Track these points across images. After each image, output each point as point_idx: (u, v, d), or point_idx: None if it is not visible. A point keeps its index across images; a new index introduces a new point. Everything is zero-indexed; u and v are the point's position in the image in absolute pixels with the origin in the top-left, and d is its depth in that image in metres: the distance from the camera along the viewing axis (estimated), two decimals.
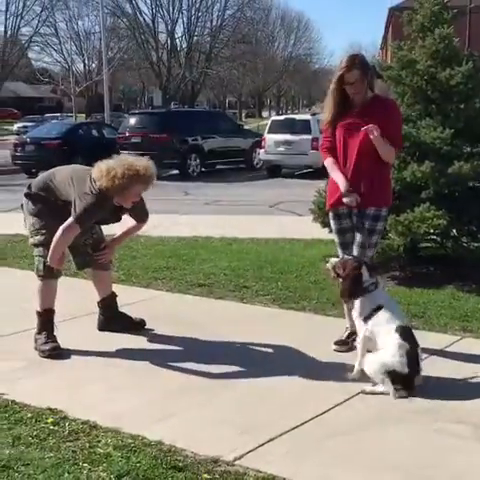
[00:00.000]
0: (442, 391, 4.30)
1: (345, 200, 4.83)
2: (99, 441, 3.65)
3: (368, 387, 4.35)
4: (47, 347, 5.03)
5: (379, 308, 4.43)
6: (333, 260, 4.68)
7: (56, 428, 3.79)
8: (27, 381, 4.54)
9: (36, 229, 5.16)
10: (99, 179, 4.77)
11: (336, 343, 5.13)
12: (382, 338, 4.36)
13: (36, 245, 5.15)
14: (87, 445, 3.60)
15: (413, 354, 4.28)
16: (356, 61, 4.79)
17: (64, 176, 5.07)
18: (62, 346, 5.09)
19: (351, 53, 4.98)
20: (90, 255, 5.37)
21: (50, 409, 4.01)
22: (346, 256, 4.77)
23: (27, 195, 5.21)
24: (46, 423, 3.84)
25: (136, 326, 5.58)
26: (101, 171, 4.78)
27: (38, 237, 5.13)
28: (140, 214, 5.33)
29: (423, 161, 6.83)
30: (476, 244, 7.18)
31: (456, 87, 7.07)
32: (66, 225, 4.83)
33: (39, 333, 5.15)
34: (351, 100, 4.84)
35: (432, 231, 6.85)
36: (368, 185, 4.83)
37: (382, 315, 4.41)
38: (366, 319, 4.46)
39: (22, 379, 4.57)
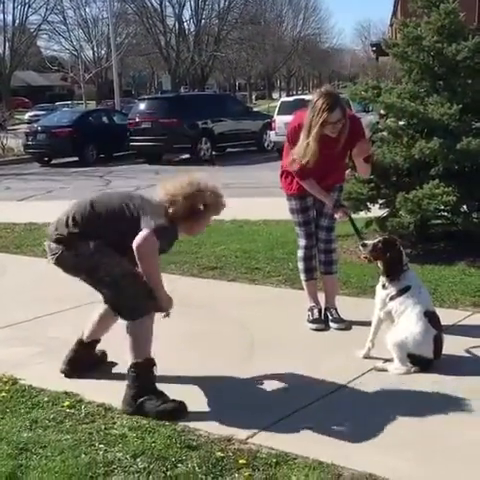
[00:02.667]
0: (453, 366, 4.33)
1: (337, 216, 5.04)
2: (114, 423, 3.72)
3: (379, 364, 4.39)
4: (171, 405, 3.85)
5: (407, 289, 4.43)
6: (369, 243, 4.60)
7: (72, 411, 3.87)
8: (43, 366, 4.62)
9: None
10: (178, 200, 4.03)
11: (313, 322, 5.21)
12: (408, 319, 4.33)
13: (122, 277, 4.00)
14: (103, 427, 3.67)
15: (439, 340, 4.32)
16: (336, 99, 4.74)
17: (115, 202, 4.11)
18: (77, 332, 5.14)
19: (324, 91, 4.77)
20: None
21: (66, 393, 4.09)
22: (381, 237, 4.70)
23: (58, 241, 4.13)
24: (62, 406, 3.92)
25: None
26: (173, 195, 4.05)
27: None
28: None
29: (431, 138, 6.83)
30: None
31: (463, 62, 7.04)
32: (145, 235, 3.83)
33: (143, 394, 3.89)
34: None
35: (442, 208, 6.85)
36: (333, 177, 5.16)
37: (410, 296, 4.40)
38: (393, 298, 4.45)
39: (38, 364, 4.65)
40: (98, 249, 3.98)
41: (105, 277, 4.01)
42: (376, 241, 4.59)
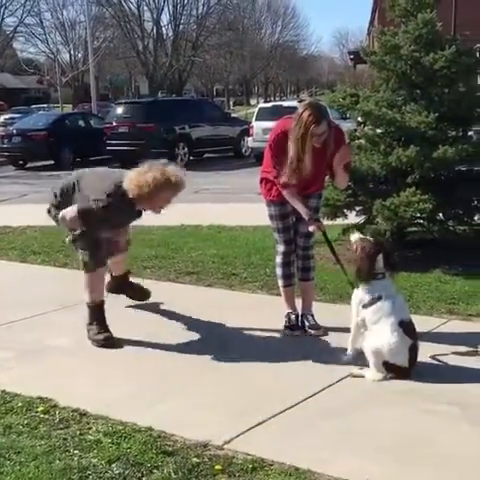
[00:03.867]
0: (429, 373, 4.35)
1: (311, 228, 5.04)
2: (89, 428, 3.69)
3: (356, 370, 4.40)
4: (101, 337, 5.04)
5: (379, 298, 4.41)
6: (357, 236, 4.64)
7: (47, 416, 3.83)
8: (17, 371, 4.58)
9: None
10: (128, 186, 4.83)
11: (290, 328, 5.23)
12: (383, 329, 4.32)
13: (74, 241, 5.12)
14: (78, 432, 3.64)
15: (414, 349, 4.32)
16: (323, 112, 4.79)
17: (90, 181, 5.18)
18: (52, 336, 5.12)
19: (310, 104, 4.82)
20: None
21: (40, 398, 4.05)
22: (368, 237, 4.71)
23: (54, 206, 5.28)
24: (37, 412, 3.88)
25: (143, 294, 5.95)
26: (130, 179, 4.84)
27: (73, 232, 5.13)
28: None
29: (408, 146, 6.88)
30: (462, 227, 7.25)
31: (440, 71, 7.10)
32: (69, 211, 4.99)
33: (91, 324, 5.13)
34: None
35: (418, 215, 6.90)
36: (315, 186, 5.18)
37: (384, 306, 4.38)
38: (365, 306, 4.45)
39: (12, 369, 4.60)
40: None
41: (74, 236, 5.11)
42: (362, 237, 4.61)
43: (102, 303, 5.18)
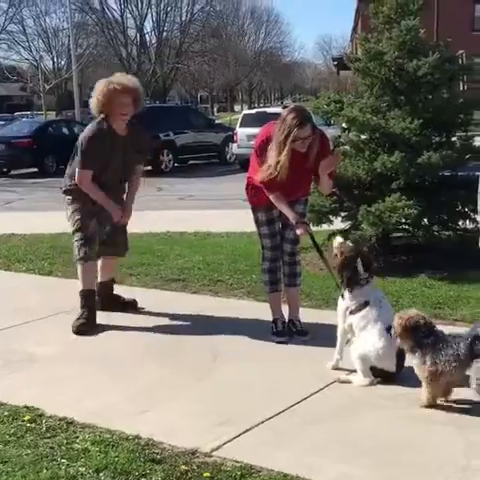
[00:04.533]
0: (415, 379, 4.35)
1: (299, 232, 5.01)
2: (77, 437, 3.67)
3: (343, 376, 4.41)
4: (76, 323, 5.44)
5: (366, 304, 4.42)
6: (338, 240, 4.66)
7: (33, 425, 3.80)
8: (3, 379, 4.55)
9: (70, 215, 5.66)
10: (91, 107, 5.55)
11: (277, 334, 5.22)
12: (370, 335, 4.34)
13: (73, 232, 5.63)
14: (65, 441, 3.62)
15: (402, 355, 4.31)
16: (307, 115, 4.82)
17: None
18: (38, 344, 5.08)
19: (294, 108, 4.88)
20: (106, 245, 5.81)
21: (27, 407, 4.02)
22: (348, 242, 4.73)
23: (64, 192, 5.73)
24: (23, 421, 3.85)
25: (130, 306, 6.03)
26: (92, 102, 5.51)
27: (72, 222, 5.63)
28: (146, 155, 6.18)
29: (393, 152, 6.91)
30: (447, 232, 7.28)
31: (423, 78, 7.15)
32: (78, 177, 5.50)
33: (81, 308, 5.54)
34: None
35: (403, 221, 6.93)
36: (301, 191, 5.22)
37: (370, 312, 4.39)
38: (352, 312, 4.46)
39: None
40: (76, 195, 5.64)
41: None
42: (342, 242, 4.63)
43: (92, 292, 5.62)
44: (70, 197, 5.67)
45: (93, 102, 5.51)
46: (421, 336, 3.94)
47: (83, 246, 5.55)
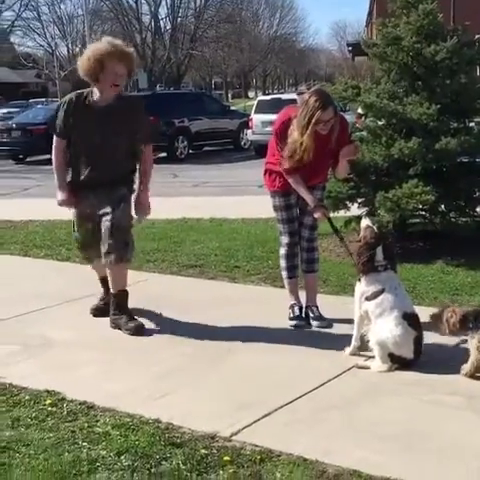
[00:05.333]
0: (433, 364, 4.37)
1: (316, 215, 5.04)
2: (97, 421, 3.70)
3: (361, 362, 4.42)
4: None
5: (381, 291, 4.42)
6: (365, 222, 4.67)
7: (54, 409, 3.84)
8: (24, 364, 4.59)
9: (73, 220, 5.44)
10: (80, 70, 4.95)
11: (294, 319, 5.24)
12: (387, 322, 4.33)
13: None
14: (86, 425, 3.65)
15: (419, 341, 4.35)
16: (329, 98, 4.84)
17: None
18: (57, 329, 5.13)
19: (316, 90, 4.90)
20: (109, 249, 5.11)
21: (47, 391, 4.06)
22: (374, 227, 4.68)
23: None
24: (44, 405, 3.89)
25: (138, 330, 5.20)
26: (81, 61, 4.95)
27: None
28: (146, 136, 5.32)
29: (410, 137, 6.88)
30: (464, 219, 7.24)
31: (441, 62, 7.10)
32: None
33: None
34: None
35: (420, 207, 6.90)
36: (320, 176, 5.21)
37: (386, 299, 4.39)
38: (368, 299, 4.46)
39: (19, 362, 4.61)
40: None
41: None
42: (370, 224, 4.63)
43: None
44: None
45: (83, 63, 4.93)
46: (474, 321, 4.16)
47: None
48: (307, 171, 4.95)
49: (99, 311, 5.48)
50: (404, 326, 4.30)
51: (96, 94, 5.05)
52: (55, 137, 5.19)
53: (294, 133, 4.81)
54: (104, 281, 5.46)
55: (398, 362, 4.30)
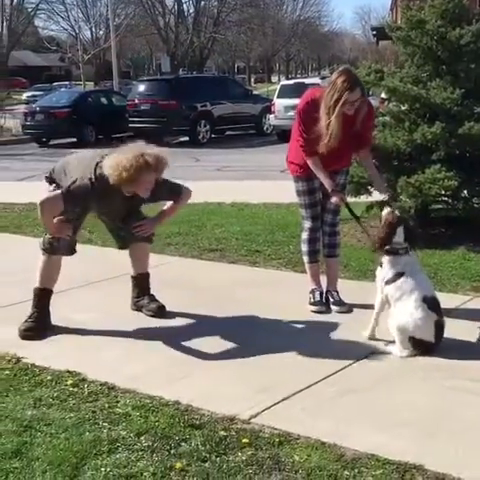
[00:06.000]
0: (454, 350, 4.35)
1: (333, 200, 5.03)
2: (118, 401, 3.74)
3: (382, 346, 4.42)
4: (22, 327, 4.84)
5: (401, 274, 4.41)
6: (387, 210, 4.66)
7: (76, 390, 3.89)
8: (46, 345, 4.65)
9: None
10: (107, 171, 4.59)
11: (315, 304, 5.24)
12: (407, 305, 4.32)
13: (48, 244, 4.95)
14: (106, 405, 3.69)
15: (440, 325, 4.33)
16: (357, 78, 4.79)
17: (75, 162, 4.99)
18: (77, 311, 5.16)
19: (343, 70, 4.80)
20: (129, 234, 5.18)
21: (69, 372, 4.11)
22: (396, 211, 4.71)
23: (46, 178, 5.14)
24: (66, 385, 3.94)
25: (160, 311, 5.24)
26: (111, 165, 4.58)
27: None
28: (170, 194, 5.09)
29: (433, 122, 6.83)
30: None
31: (466, 46, 7.03)
32: (52, 194, 4.76)
33: (32, 308, 4.96)
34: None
35: (443, 192, 6.86)
36: (344, 160, 5.21)
37: (405, 282, 4.38)
38: (388, 282, 4.46)
39: (41, 343, 4.68)
40: None
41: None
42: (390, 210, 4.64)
43: (48, 292, 4.98)
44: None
45: (118, 169, 4.56)
46: None
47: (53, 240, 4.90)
48: (332, 155, 4.90)
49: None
50: (424, 309, 4.28)
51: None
52: (61, 201, 4.66)
53: (322, 118, 4.74)
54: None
55: (419, 347, 4.28)
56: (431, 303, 4.34)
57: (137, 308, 5.28)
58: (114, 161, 4.60)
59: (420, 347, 4.29)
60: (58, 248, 4.90)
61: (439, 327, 4.32)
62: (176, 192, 5.11)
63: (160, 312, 5.17)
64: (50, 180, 5.07)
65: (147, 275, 5.38)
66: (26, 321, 4.87)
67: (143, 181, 4.65)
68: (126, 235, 5.24)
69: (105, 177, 4.61)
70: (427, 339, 4.29)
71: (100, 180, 4.63)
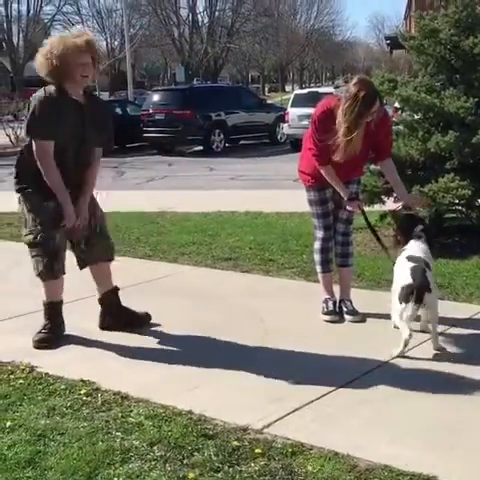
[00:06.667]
0: (468, 360, 4.34)
1: (350, 208, 5.06)
2: (131, 411, 3.75)
3: (395, 350, 4.41)
4: (36, 338, 4.84)
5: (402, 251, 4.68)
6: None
7: (89, 399, 3.90)
8: (60, 354, 4.67)
9: (30, 226, 4.75)
10: (42, 71, 4.53)
11: (328, 313, 5.23)
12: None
13: (30, 244, 4.79)
14: (119, 415, 3.70)
15: (419, 270, 4.40)
16: (375, 89, 4.77)
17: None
18: (88, 320, 5.17)
19: (362, 81, 4.69)
20: (88, 255, 4.98)
21: (82, 381, 4.12)
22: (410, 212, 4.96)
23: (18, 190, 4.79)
24: (79, 394, 3.95)
25: (141, 320, 5.18)
26: (40, 61, 4.52)
27: (31, 236, 4.74)
28: (104, 129, 4.84)
29: (447, 131, 6.82)
30: None
31: (479, 55, 7.01)
32: (37, 151, 4.55)
33: (45, 319, 4.95)
34: None
35: (457, 201, 6.84)
36: (357, 171, 5.24)
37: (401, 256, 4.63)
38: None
39: (55, 352, 4.69)
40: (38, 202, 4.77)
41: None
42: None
43: (57, 304, 4.96)
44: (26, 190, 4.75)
45: (41, 62, 4.52)
46: None
47: (42, 261, 4.76)
48: (347, 166, 4.89)
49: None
50: (407, 263, 4.49)
51: (68, 90, 4.64)
52: (45, 142, 4.54)
53: (341, 128, 4.65)
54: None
55: (405, 296, 4.34)
56: (412, 260, 4.51)
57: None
58: (41, 55, 4.53)
59: (406, 296, 4.33)
60: (50, 269, 4.76)
61: (419, 271, 4.39)
62: (108, 133, 4.92)
63: (143, 321, 5.13)
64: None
65: (115, 289, 5.20)
66: (40, 332, 4.88)
67: (77, 64, 4.51)
68: (86, 257, 5.01)
69: (52, 91, 4.55)
70: (405, 282, 4.37)
71: (50, 96, 4.54)
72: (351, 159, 4.83)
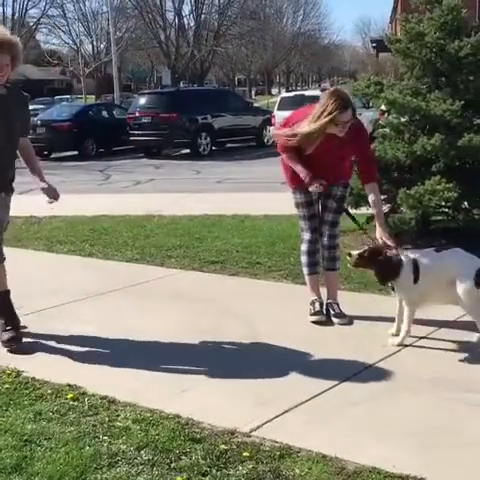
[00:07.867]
0: (455, 362, 4.36)
1: (311, 188, 5.05)
2: (118, 415, 3.73)
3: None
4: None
5: None
6: (354, 253, 4.72)
7: (76, 403, 3.87)
8: (47, 358, 4.63)
9: None
10: None
11: (314, 314, 5.24)
12: None
13: None
14: (106, 419, 3.68)
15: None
16: (348, 99, 4.84)
17: None
18: (78, 324, 5.15)
19: (334, 90, 4.91)
20: None
21: (69, 385, 4.09)
22: (367, 246, 4.82)
23: None
24: (66, 399, 3.93)
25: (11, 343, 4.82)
26: None
27: None
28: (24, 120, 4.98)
29: (433, 134, 6.85)
30: None
31: (465, 58, 7.06)
32: None
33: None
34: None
35: (443, 204, 6.87)
36: (336, 174, 5.21)
37: None
38: None
39: (42, 356, 4.66)
40: None
41: None
42: (361, 251, 4.70)
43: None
44: None
45: None
46: None
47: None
48: (317, 167, 4.96)
49: None
50: None
51: None
52: None
53: (305, 126, 4.81)
54: None
55: None
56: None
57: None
58: None
59: None
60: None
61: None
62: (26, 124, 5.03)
63: (11, 344, 4.79)
64: None
65: (6, 293, 5.01)
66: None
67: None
68: None
69: None
70: None
71: None
72: (325, 161, 4.93)
